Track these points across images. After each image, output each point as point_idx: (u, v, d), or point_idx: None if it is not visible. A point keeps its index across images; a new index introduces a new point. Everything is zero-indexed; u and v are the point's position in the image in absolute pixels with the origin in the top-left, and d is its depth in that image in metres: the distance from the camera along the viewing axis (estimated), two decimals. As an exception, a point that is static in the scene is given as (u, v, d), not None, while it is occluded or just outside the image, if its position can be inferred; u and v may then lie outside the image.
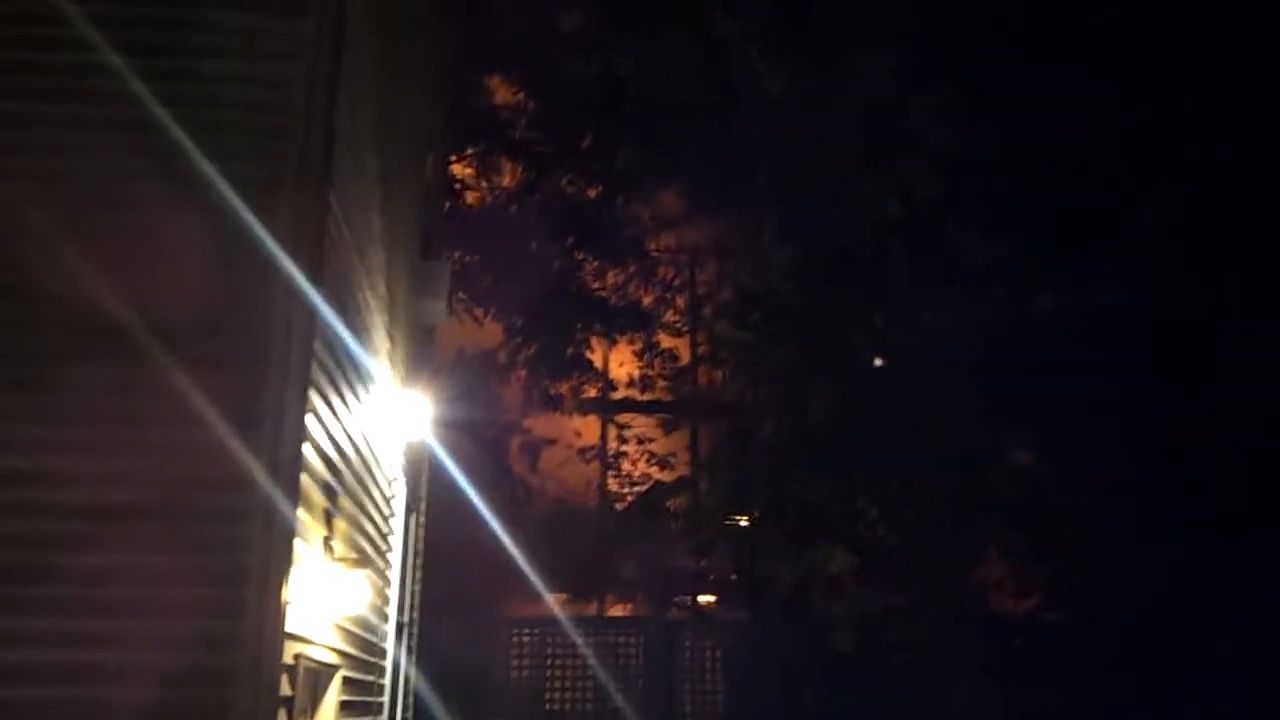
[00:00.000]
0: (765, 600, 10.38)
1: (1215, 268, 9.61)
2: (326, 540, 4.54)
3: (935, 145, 9.23)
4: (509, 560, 11.66)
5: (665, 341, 13.80)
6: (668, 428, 13.56)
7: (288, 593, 3.73)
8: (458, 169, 14.02)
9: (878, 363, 8.98)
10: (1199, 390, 9.75)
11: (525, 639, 11.36)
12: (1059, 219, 9.15)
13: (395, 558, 7.32)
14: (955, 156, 9.16)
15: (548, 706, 11.02)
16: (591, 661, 10.74)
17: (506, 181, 14.47)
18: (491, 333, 13.99)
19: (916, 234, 9.12)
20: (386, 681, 7.08)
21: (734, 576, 11.39)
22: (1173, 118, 9.51)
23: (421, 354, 8.75)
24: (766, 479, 10.07)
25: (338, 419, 4.67)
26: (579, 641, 10.81)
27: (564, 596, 12.11)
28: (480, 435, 13.01)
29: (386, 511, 6.75)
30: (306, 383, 3.94)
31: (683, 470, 13.59)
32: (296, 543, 3.83)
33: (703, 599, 13.51)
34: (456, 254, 12.73)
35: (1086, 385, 9.95)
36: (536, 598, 13.26)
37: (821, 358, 9.08)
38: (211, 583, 3.63)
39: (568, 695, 11.06)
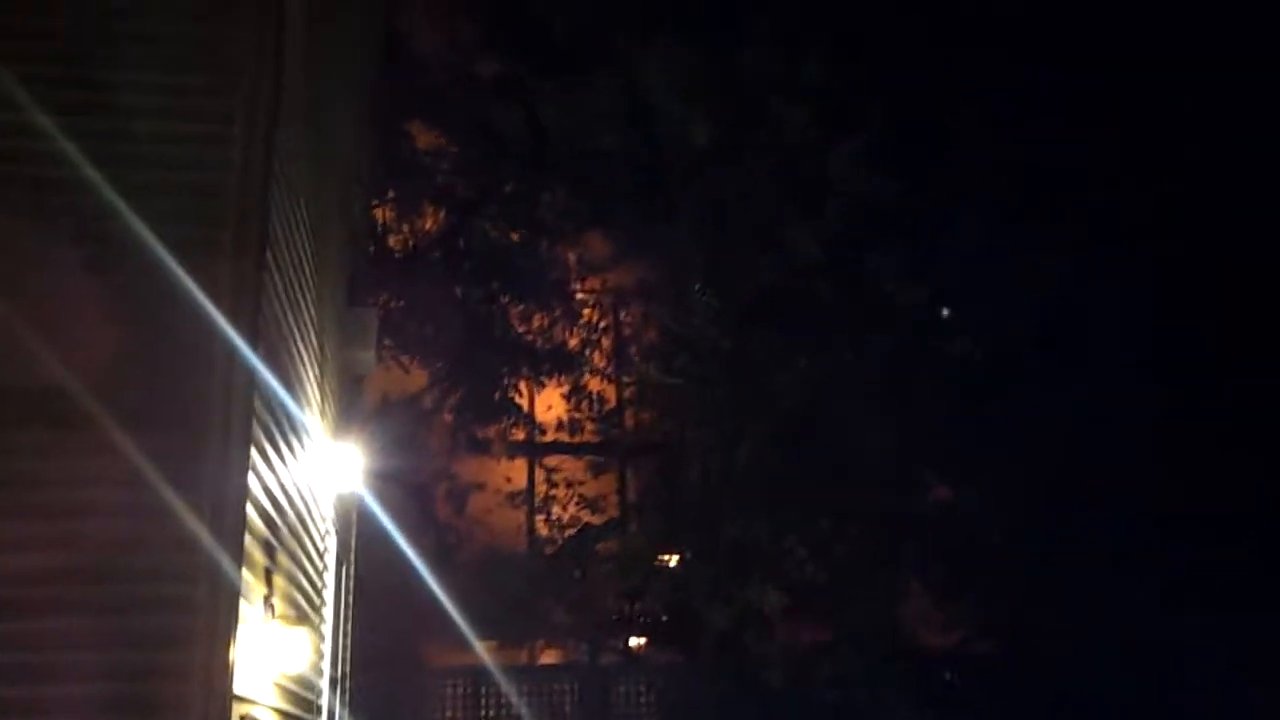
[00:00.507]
0: (697, 641, 10.43)
1: (1124, 304, 10.04)
2: (267, 598, 4.50)
3: (854, 190, 9.51)
4: (439, 609, 11.55)
5: (592, 384, 13.86)
6: (596, 470, 13.60)
7: (234, 653, 3.70)
8: (379, 213, 13.98)
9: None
10: (1108, 420, 10.13)
11: (457, 689, 11.24)
12: (972, 258, 9.47)
13: (329, 611, 7.23)
14: (873, 200, 9.45)
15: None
16: (523, 711, 10.67)
17: (428, 225, 14.45)
18: (417, 378, 13.90)
19: (839, 276, 9.37)
20: (321, 738, 6.96)
21: (665, 618, 11.41)
22: (1096, 149, 9.93)
23: (350, 404, 8.70)
24: (696, 519, 10.16)
25: (276, 475, 4.66)
26: (511, 691, 10.72)
27: (494, 644, 12.01)
28: (407, 483, 12.90)
29: (320, 565, 6.68)
30: (248, 441, 3.94)
31: (612, 513, 13.63)
32: (241, 603, 3.81)
33: (634, 642, 13.51)
34: (381, 299, 12.66)
35: (1002, 418, 10.28)
36: (467, 647, 13.14)
37: (748, 399, 9.24)
38: (157, 645, 3.60)
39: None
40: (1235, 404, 10.31)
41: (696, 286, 9.78)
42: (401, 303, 13.38)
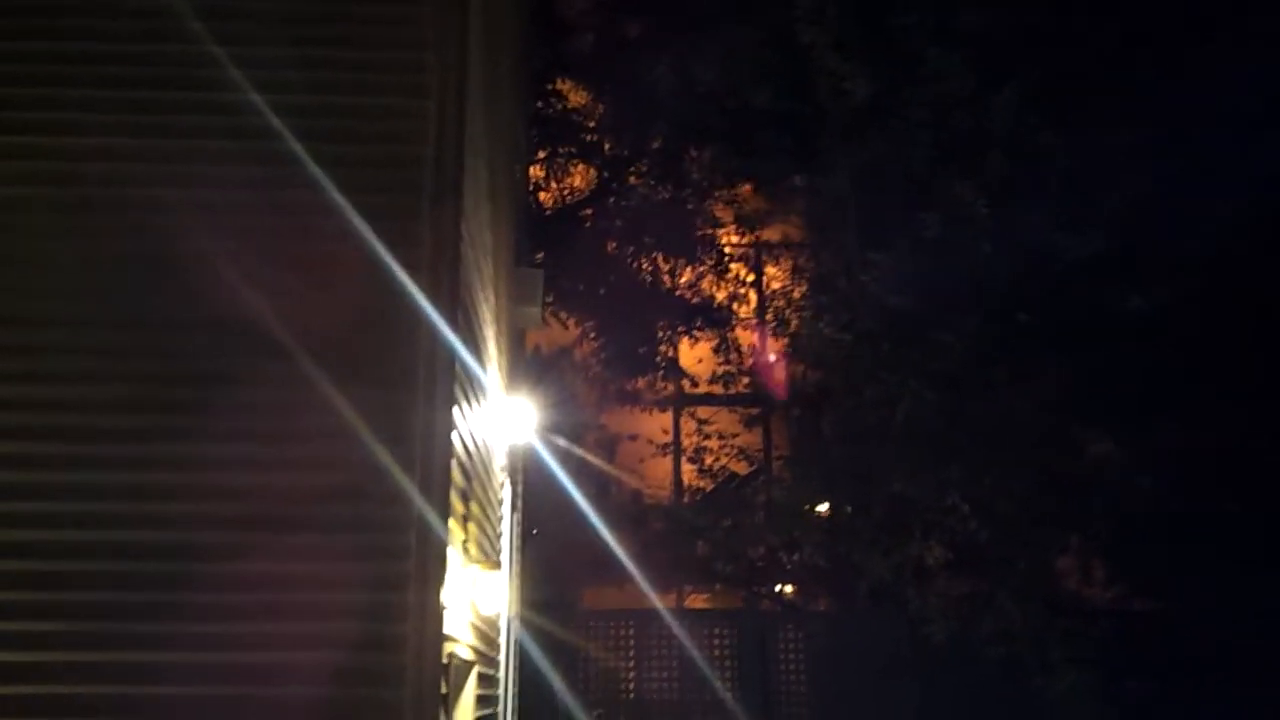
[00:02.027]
0: (854, 592, 10.51)
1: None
2: (464, 544, 4.80)
3: (1015, 140, 9.30)
4: (597, 555, 11.93)
5: (742, 337, 13.96)
6: (748, 422, 13.74)
7: (442, 596, 3.98)
8: (530, 172, 14.28)
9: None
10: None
11: (615, 631, 11.60)
12: (1144, 212, 9.18)
13: (504, 557, 7.60)
14: (1035, 150, 9.23)
15: (640, 697, 11.26)
16: (689, 652, 10.94)
17: (577, 184, 14.71)
18: (570, 332, 14.25)
19: (1000, 228, 9.20)
20: (501, 675, 7.36)
21: (820, 568, 11.51)
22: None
23: (516, 358, 9.03)
24: (852, 473, 10.19)
25: (469, 429, 4.93)
26: (674, 633, 11.01)
27: (647, 589, 12.31)
28: (563, 433, 13.27)
29: (498, 514, 7.03)
30: (451, 401, 4.19)
31: (762, 463, 13.76)
32: (448, 549, 4.08)
33: (787, 589, 13.66)
34: (535, 256, 12.99)
35: (1169, 374, 9.99)
36: (624, 591, 13.53)
37: (910, 354, 9.19)
38: (376, 588, 3.90)
39: (659, 686, 11.29)
40: None
41: (854, 243, 9.71)
42: (554, 259, 13.69)
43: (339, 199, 4.28)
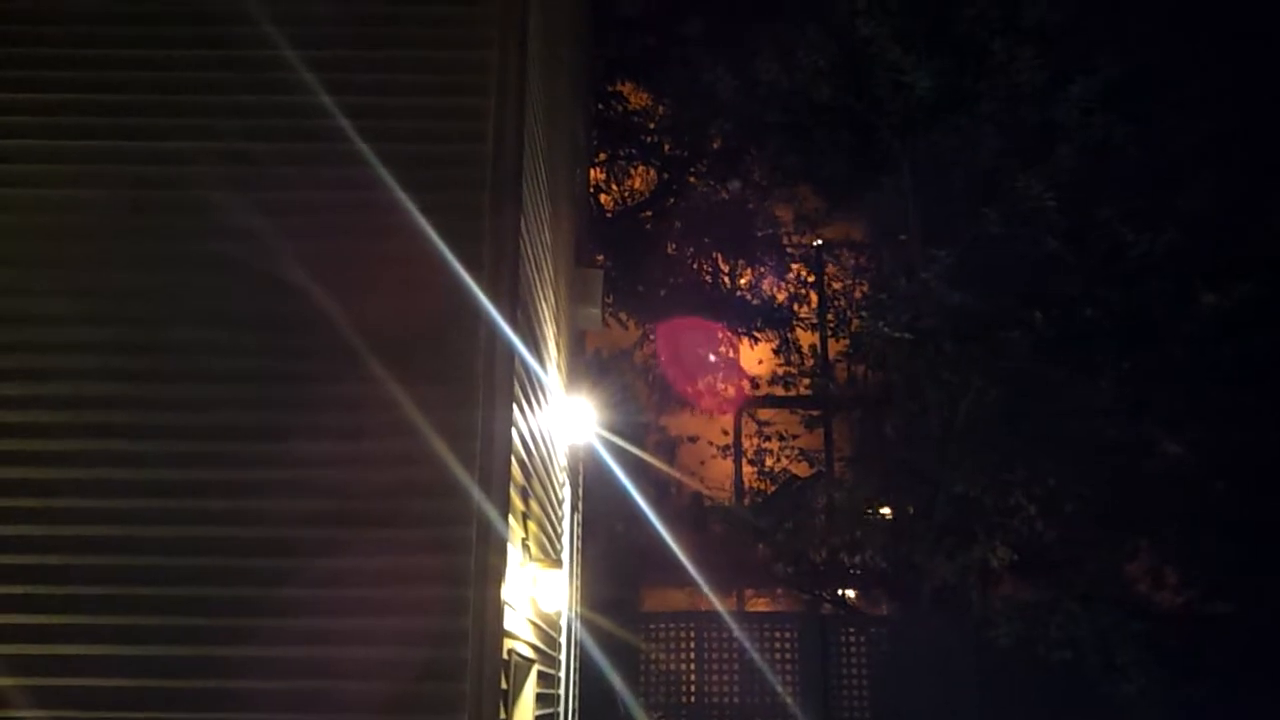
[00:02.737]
0: (916, 594, 10.39)
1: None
2: (524, 542, 4.82)
3: (1085, 134, 9.12)
4: (657, 555, 11.92)
5: (803, 338, 13.90)
6: (809, 424, 13.67)
7: (503, 592, 4.00)
8: (592, 174, 14.33)
9: None
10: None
11: (674, 632, 11.57)
12: (1218, 208, 8.96)
13: (565, 556, 7.62)
14: (1105, 145, 9.04)
15: (700, 700, 11.21)
16: (749, 655, 10.88)
17: (639, 185, 14.75)
18: (630, 334, 14.29)
19: (1070, 225, 9.02)
20: (561, 675, 7.37)
21: (883, 570, 11.39)
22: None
23: (576, 358, 9.05)
24: (915, 474, 10.07)
25: (529, 428, 4.95)
26: (734, 635, 10.95)
27: (707, 591, 12.28)
28: (623, 434, 13.29)
29: (559, 513, 7.05)
30: (511, 398, 4.21)
31: (823, 465, 13.68)
32: (507, 545, 4.10)
33: (847, 592, 13.55)
34: (596, 257, 13.04)
35: (1240, 375, 9.74)
36: (684, 592, 13.51)
37: (975, 354, 9.05)
38: (439, 583, 3.93)
39: (720, 689, 11.24)
40: None
41: (915, 240, 9.59)
42: (615, 260, 13.73)
43: (403, 197, 4.34)
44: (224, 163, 4.38)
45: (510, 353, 4.26)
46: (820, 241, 13.93)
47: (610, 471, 10.68)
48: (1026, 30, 9.40)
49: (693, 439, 14.17)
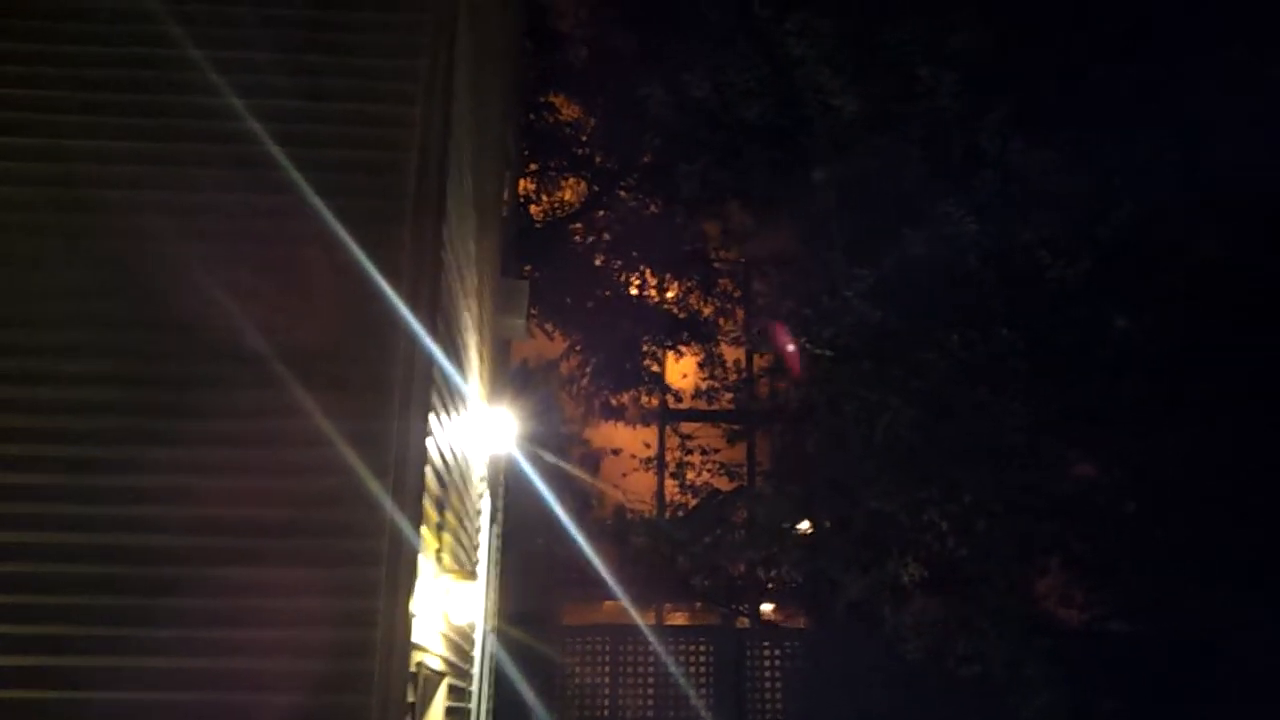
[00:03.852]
0: (831, 609, 10.52)
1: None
2: (437, 553, 4.79)
3: (1005, 160, 9.35)
4: (575, 568, 11.90)
5: (727, 353, 14.00)
6: (731, 438, 13.76)
7: (413, 604, 3.97)
8: (520, 184, 14.30)
9: None
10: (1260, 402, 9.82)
11: (591, 646, 11.57)
12: (1132, 238, 9.26)
13: (481, 568, 7.58)
14: (1025, 171, 9.28)
15: (616, 713, 11.21)
16: (665, 669, 10.91)
17: (567, 197, 14.74)
18: (556, 345, 14.26)
19: (989, 249, 9.24)
20: (474, 689, 7.33)
21: (798, 585, 11.52)
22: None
23: (499, 369, 9.02)
24: (833, 489, 10.20)
25: (447, 438, 4.93)
26: (651, 648, 10.98)
27: (625, 604, 12.30)
28: (545, 446, 13.27)
29: (476, 524, 7.01)
30: (427, 408, 4.18)
31: (745, 480, 13.77)
32: (419, 557, 4.07)
33: (766, 608, 13.66)
34: (523, 268, 13.01)
35: (1149, 398, 10.05)
36: (602, 606, 13.50)
37: (893, 373, 9.22)
38: (346, 594, 3.88)
39: (635, 702, 11.25)
40: None
41: (839, 258, 9.75)
42: (542, 272, 13.70)
43: (320, 203, 4.29)
44: (139, 164, 4.31)
45: (429, 362, 4.24)
46: (746, 258, 14.05)
47: (532, 483, 10.65)
48: (951, 57, 9.62)
49: (616, 451, 14.18)
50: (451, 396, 5.09)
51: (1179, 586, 10.31)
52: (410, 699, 4.17)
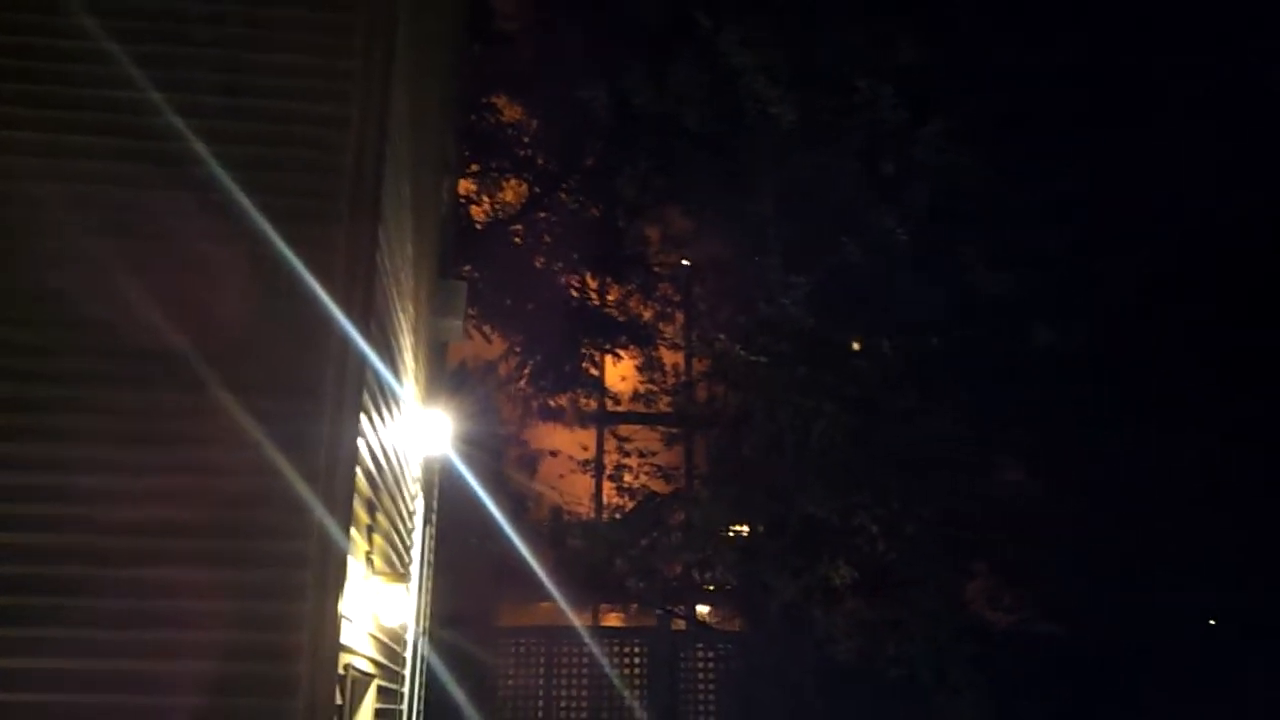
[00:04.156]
0: (764, 612, 10.61)
1: (1217, 307, 10.01)
2: (368, 555, 4.77)
3: (940, 173, 9.52)
4: (511, 571, 11.87)
5: (666, 357, 14.06)
6: (669, 441, 13.83)
7: (341, 606, 3.95)
8: (461, 185, 14.23)
9: None
10: (1202, 424, 10.12)
11: (526, 648, 11.57)
12: (1063, 253, 9.47)
13: (414, 569, 7.54)
14: (958, 184, 9.46)
15: (550, 714, 11.23)
16: (599, 670, 10.94)
17: (509, 199, 14.72)
18: (495, 347, 14.22)
19: (922, 260, 9.41)
20: (405, 690, 7.29)
21: (732, 588, 11.62)
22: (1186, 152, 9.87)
23: (436, 370, 8.98)
24: (767, 493, 10.31)
25: (379, 439, 4.91)
26: (585, 650, 11.00)
27: (561, 607, 12.31)
28: (483, 448, 13.20)
29: (409, 525, 6.98)
30: (358, 408, 4.16)
31: (682, 483, 13.85)
32: (348, 559, 4.05)
33: (701, 610, 13.73)
34: (463, 269, 12.95)
35: (1078, 406, 10.29)
36: (537, 608, 13.48)
37: (826, 379, 9.34)
38: (271, 597, 3.85)
39: (569, 703, 11.27)
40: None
41: (776, 265, 9.86)
42: (482, 273, 13.66)
43: (248, 203, 4.24)
44: (46, 157, 4.20)
45: (361, 364, 4.22)
46: (686, 262, 14.14)
47: (468, 485, 10.61)
48: (890, 70, 9.78)
49: (554, 453, 14.18)
50: (384, 398, 5.07)
51: (1103, 590, 10.56)
52: (339, 701, 4.15)
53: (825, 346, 9.45)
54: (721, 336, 10.38)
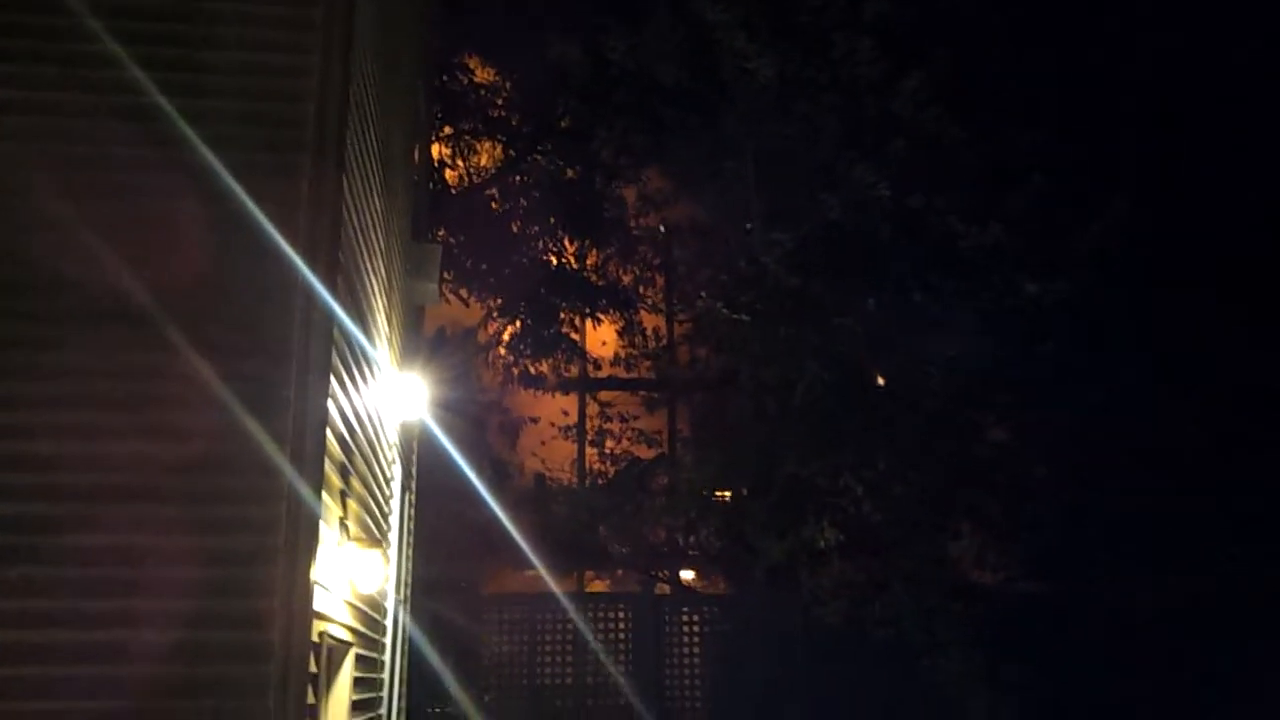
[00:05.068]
0: (750, 575, 10.56)
1: (1196, 263, 9.94)
2: (342, 520, 4.63)
3: (920, 128, 9.37)
4: (493, 537, 11.77)
5: (647, 320, 13.93)
6: (651, 405, 13.72)
7: (314, 572, 3.82)
8: (435, 148, 14.00)
9: None
10: (1187, 380, 10.08)
11: (511, 615, 11.49)
12: (1043, 207, 9.36)
13: (393, 536, 7.42)
14: (939, 139, 9.32)
15: (534, 681, 11.17)
16: (584, 636, 10.88)
17: (484, 161, 14.49)
18: (473, 311, 14.05)
19: (904, 216, 9.28)
20: (386, 658, 7.18)
21: (718, 551, 11.55)
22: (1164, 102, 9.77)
23: (412, 335, 8.82)
24: (752, 455, 10.21)
25: (351, 402, 4.76)
26: (569, 616, 10.93)
27: (545, 573, 12.23)
28: (463, 414, 13.07)
29: (387, 492, 6.84)
30: (329, 370, 4.02)
31: (665, 447, 13.76)
32: (320, 524, 3.92)
33: (687, 574, 13.70)
34: (438, 233, 12.75)
35: (1067, 370, 10.23)
36: (520, 574, 13.40)
37: (810, 338, 9.23)
38: (244, 563, 3.73)
39: (553, 670, 11.22)
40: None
41: (757, 224, 9.72)
42: (458, 238, 13.47)
43: (209, 156, 4.08)
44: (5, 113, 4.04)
45: (329, 322, 4.07)
46: (665, 225, 13.97)
47: (448, 451, 10.47)
48: (866, 24, 9.60)
49: (535, 420, 14.06)
50: (356, 359, 4.92)
51: (1087, 549, 10.56)
52: (314, 669, 4.03)
53: (808, 305, 9.31)
54: (704, 295, 10.21)
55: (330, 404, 4.07)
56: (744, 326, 9.32)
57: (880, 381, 9.56)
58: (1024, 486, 10.37)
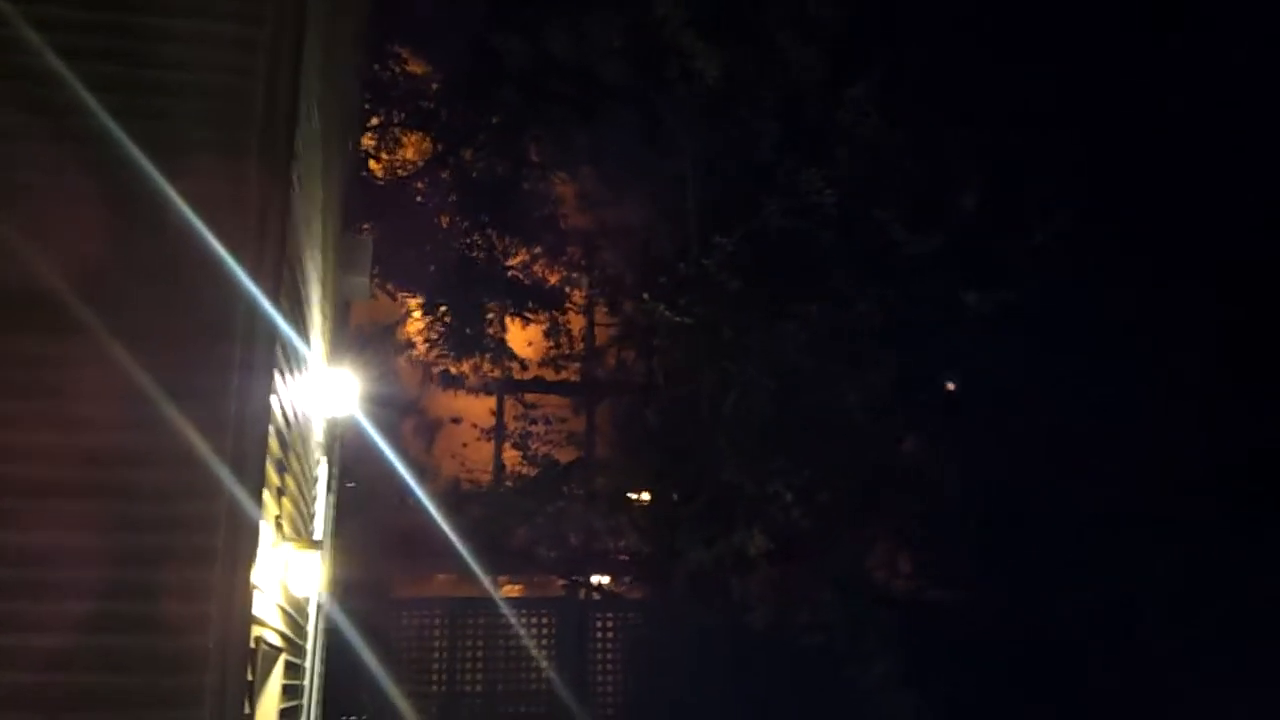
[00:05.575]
0: (671, 580, 10.47)
1: (1135, 265, 10.10)
2: (277, 519, 4.41)
3: (862, 135, 9.38)
4: (413, 539, 11.51)
5: (573, 322, 13.76)
6: (576, 408, 13.55)
7: (253, 574, 3.61)
8: (363, 139, 13.67)
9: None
10: (1103, 390, 10.23)
11: (431, 619, 11.25)
12: (981, 215, 9.43)
13: (318, 537, 7.16)
14: (879, 147, 9.33)
15: (454, 687, 10.94)
16: (504, 640, 10.69)
17: (410, 155, 14.19)
18: (392, 307, 13.75)
19: (846, 223, 9.27)
20: (306, 664, 6.92)
21: (641, 556, 11.44)
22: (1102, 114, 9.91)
23: (339, 329, 8.55)
24: (680, 460, 10.13)
25: (289, 397, 4.54)
26: (489, 619, 10.73)
27: (463, 576, 12.01)
28: (383, 412, 12.75)
29: (314, 491, 6.60)
30: (272, 362, 3.81)
31: (588, 450, 13.60)
32: (261, 524, 3.70)
33: (603, 579, 13.56)
34: (365, 226, 12.42)
35: (988, 375, 10.33)
36: (436, 578, 13.13)
37: (747, 343, 9.17)
38: (178, 564, 3.48)
39: (470, 673, 11.00)
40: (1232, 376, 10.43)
41: (695, 226, 9.64)
42: (383, 231, 13.14)
43: (147, 131, 3.82)
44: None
45: (272, 314, 3.85)
46: (597, 226, 13.82)
47: (372, 450, 10.21)
48: (810, 30, 9.58)
49: (456, 420, 13.78)
50: (294, 352, 4.69)
51: (998, 558, 10.68)
52: (249, 677, 3.81)
53: (749, 309, 9.25)
54: (646, 295, 10.01)
55: (273, 399, 3.85)
56: (683, 329, 9.22)
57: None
58: (936, 497, 10.44)
